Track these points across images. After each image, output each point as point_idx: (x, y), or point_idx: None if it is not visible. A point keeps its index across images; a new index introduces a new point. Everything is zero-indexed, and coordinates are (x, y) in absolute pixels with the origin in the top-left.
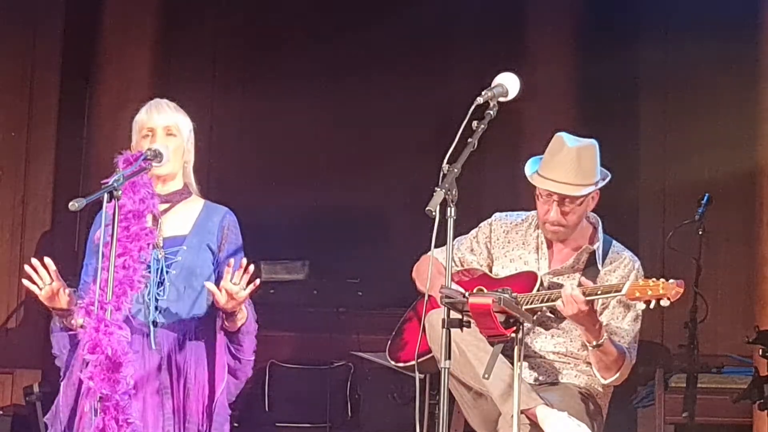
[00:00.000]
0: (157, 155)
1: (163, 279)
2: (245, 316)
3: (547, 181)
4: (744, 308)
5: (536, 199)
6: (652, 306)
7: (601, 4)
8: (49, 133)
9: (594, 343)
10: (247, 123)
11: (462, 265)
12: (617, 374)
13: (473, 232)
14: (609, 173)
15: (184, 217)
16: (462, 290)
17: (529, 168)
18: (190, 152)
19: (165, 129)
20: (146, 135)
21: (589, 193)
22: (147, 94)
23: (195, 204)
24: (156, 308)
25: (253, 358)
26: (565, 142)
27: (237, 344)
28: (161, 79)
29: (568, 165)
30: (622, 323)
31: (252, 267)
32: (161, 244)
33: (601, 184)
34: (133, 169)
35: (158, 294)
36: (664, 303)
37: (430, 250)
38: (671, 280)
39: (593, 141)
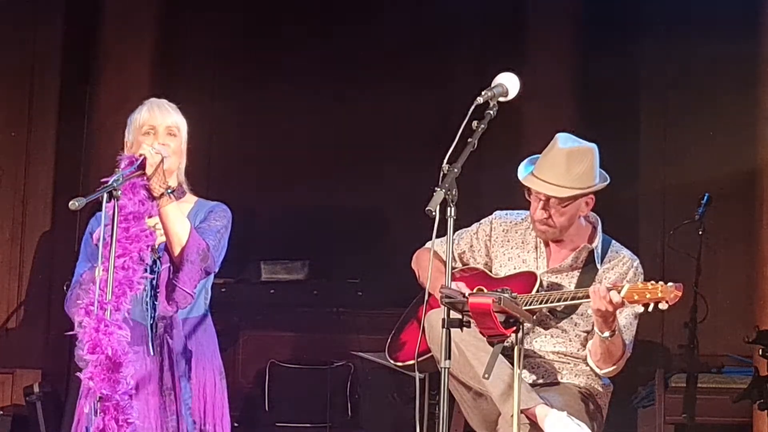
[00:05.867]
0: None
1: (158, 282)
2: (172, 202)
3: (534, 179)
4: (744, 308)
5: (528, 196)
6: (650, 309)
7: (601, 3)
8: (49, 133)
9: (607, 333)
10: (247, 123)
11: (461, 261)
12: (614, 366)
13: (474, 227)
14: (608, 178)
15: None
16: (463, 285)
17: (523, 168)
18: (184, 153)
19: (167, 129)
20: (147, 132)
21: (574, 196)
22: (147, 94)
23: (187, 203)
24: (154, 311)
25: (189, 290)
26: (558, 143)
27: (176, 268)
28: (161, 79)
29: (555, 166)
30: (620, 317)
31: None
32: (156, 246)
33: (596, 188)
34: (132, 170)
35: (155, 297)
36: (663, 306)
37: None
38: (670, 284)
39: (591, 145)
